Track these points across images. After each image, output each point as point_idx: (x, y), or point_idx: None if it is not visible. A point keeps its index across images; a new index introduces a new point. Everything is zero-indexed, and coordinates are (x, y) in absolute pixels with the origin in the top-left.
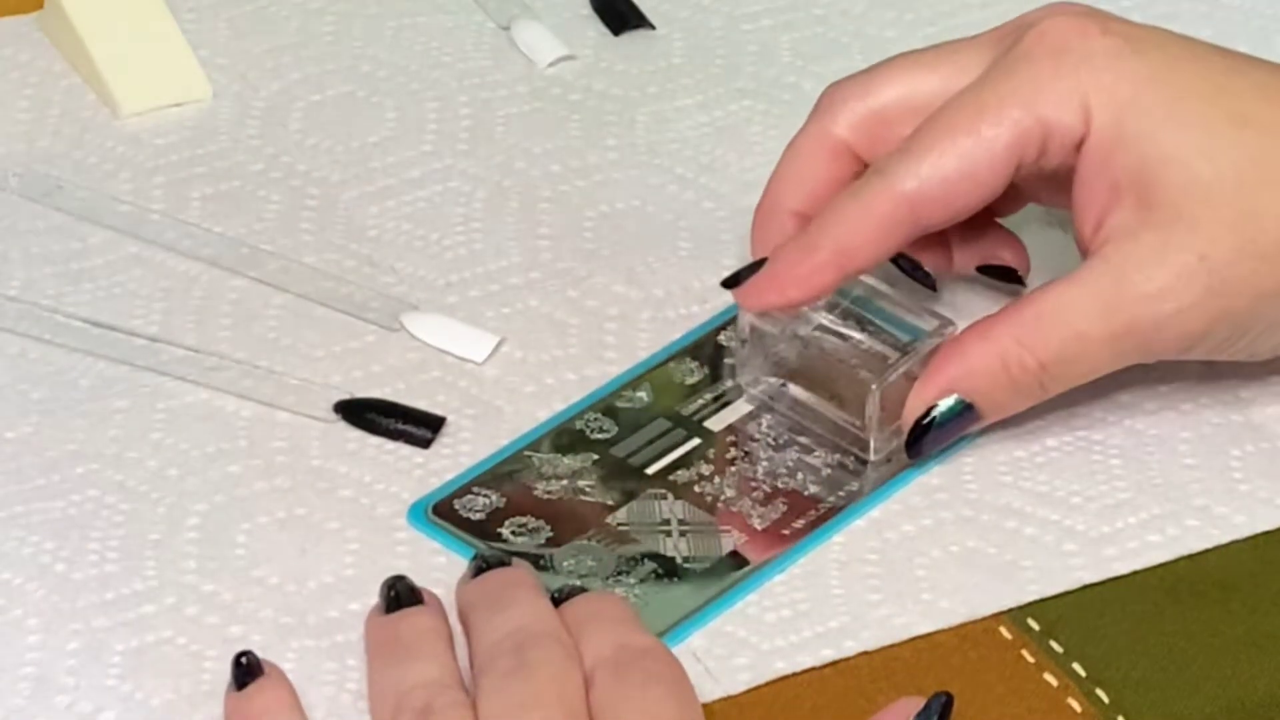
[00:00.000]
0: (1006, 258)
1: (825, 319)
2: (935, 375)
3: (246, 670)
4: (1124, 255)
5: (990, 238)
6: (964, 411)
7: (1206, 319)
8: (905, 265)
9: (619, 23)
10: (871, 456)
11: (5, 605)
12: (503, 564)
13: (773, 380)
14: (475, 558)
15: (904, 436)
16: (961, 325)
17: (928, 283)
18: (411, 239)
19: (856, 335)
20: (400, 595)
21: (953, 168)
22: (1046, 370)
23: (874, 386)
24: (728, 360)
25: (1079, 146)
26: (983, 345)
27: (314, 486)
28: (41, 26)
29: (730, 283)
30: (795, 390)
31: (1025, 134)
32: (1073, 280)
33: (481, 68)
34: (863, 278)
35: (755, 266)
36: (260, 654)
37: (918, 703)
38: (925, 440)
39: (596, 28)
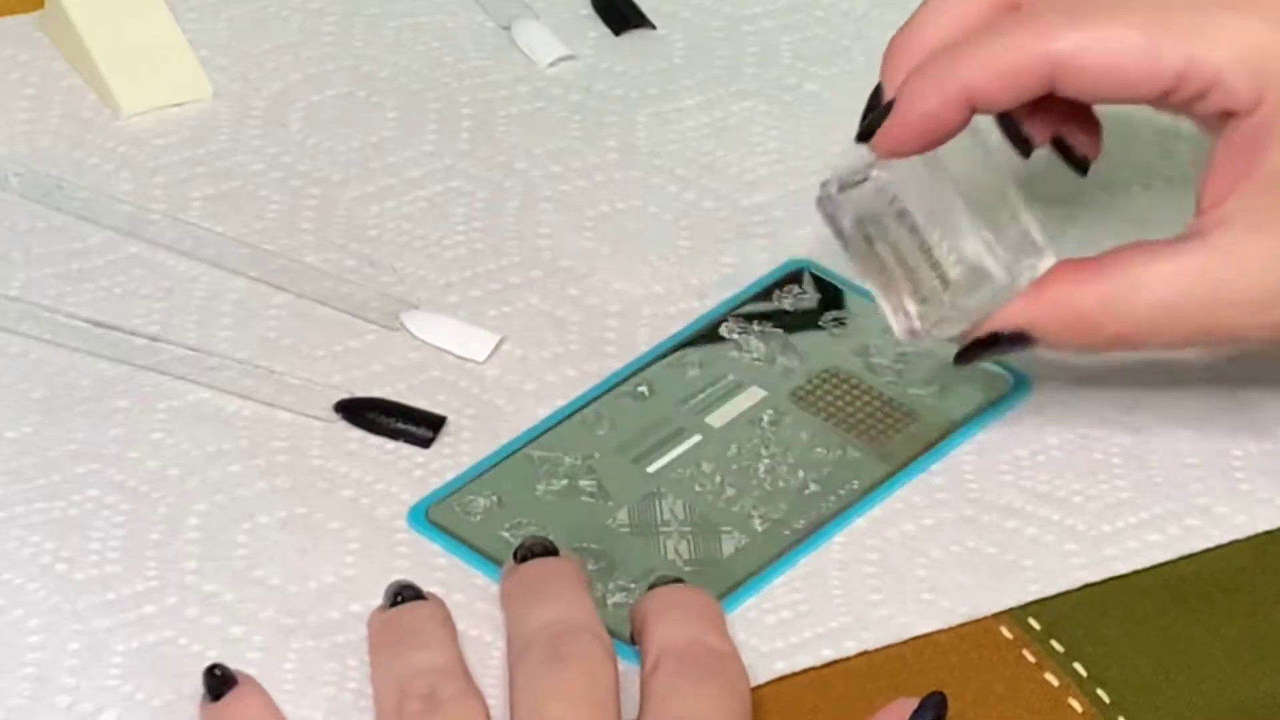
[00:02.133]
0: (1082, 141)
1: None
2: (1016, 311)
3: (221, 681)
4: (1238, 252)
5: (1075, 115)
6: (1025, 341)
7: None
8: (1007, 124)
9: (620, 23)
10: (920, 322)
11: (6, 605)
12: (548, 552)
13: (886, 194)
14: (521, 543)
15: (959, 340)
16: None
17: (1024, 149)
18: (412, 238)
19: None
20: (404, 595)
21: (1114, 54)
22: (1122, 338)
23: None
24: (731, 353)
25: (1234, 114)
26: (1069, 298)
27: (314, 486)
28: (42, 26)
29: (863, 135)
30: (908, 211)
31: (1194, 75)
32: (1176, 258)
33: (482, 68)
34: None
35: (880, 111)
36: (261, 655)
37: (914, 703)
38: (978, 357)
39: (597, 28)
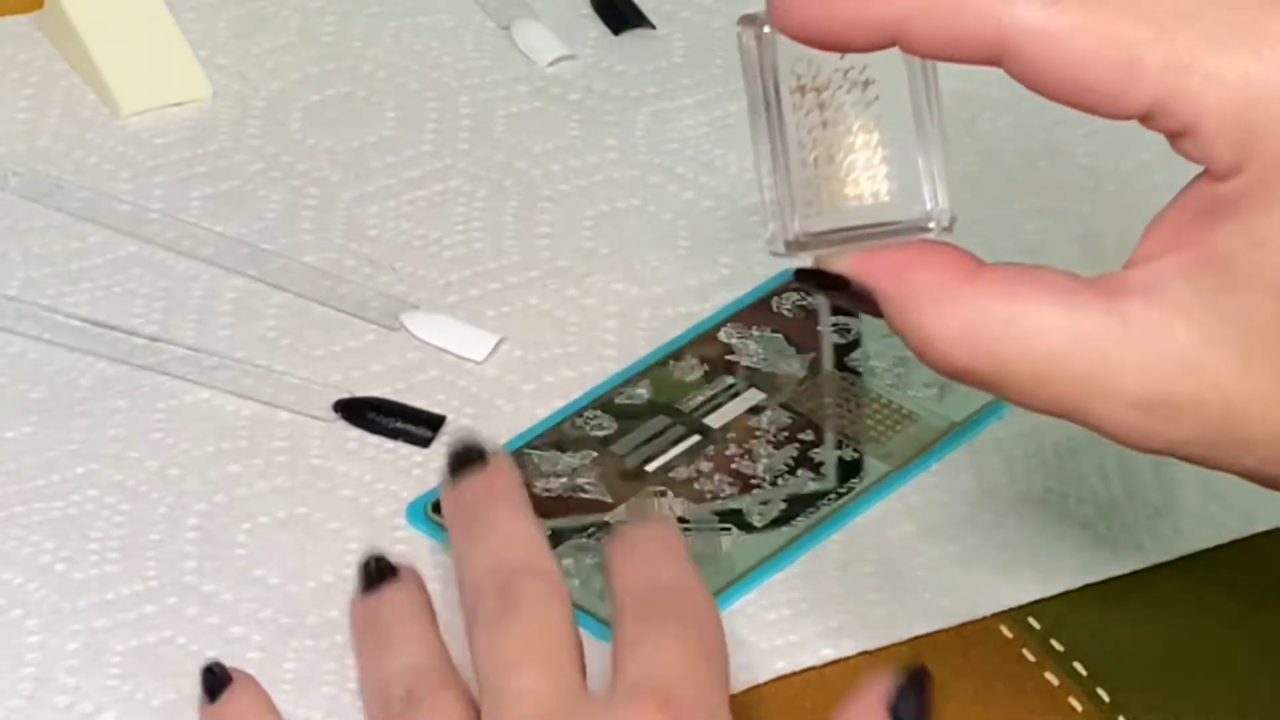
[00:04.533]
0: None
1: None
2: (882, 271)
3: (218, 680)
4: (1140, 332)
5: None
6: (870, 307)
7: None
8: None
9: (619, 22)
10: (800, 228)
11: (5, 605)
12: (480, 458)
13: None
14: (450, 452)
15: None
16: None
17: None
18: (411, 238)
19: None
20: (376, 573)
21: (1076, 57)
22: (971, 374)
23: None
24: (730, 357)
25: (1206, 171)
26: (936, 300)
27: (314, 486)
28: (41, 26)
29: None
30: (869, 89)
31: (1169, 113)
32: (1074, 312)
33: (481, 67)
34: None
35: None
36: (260, 654)
37: (889, 683)
38: (812, 286)
39: (596, 27)
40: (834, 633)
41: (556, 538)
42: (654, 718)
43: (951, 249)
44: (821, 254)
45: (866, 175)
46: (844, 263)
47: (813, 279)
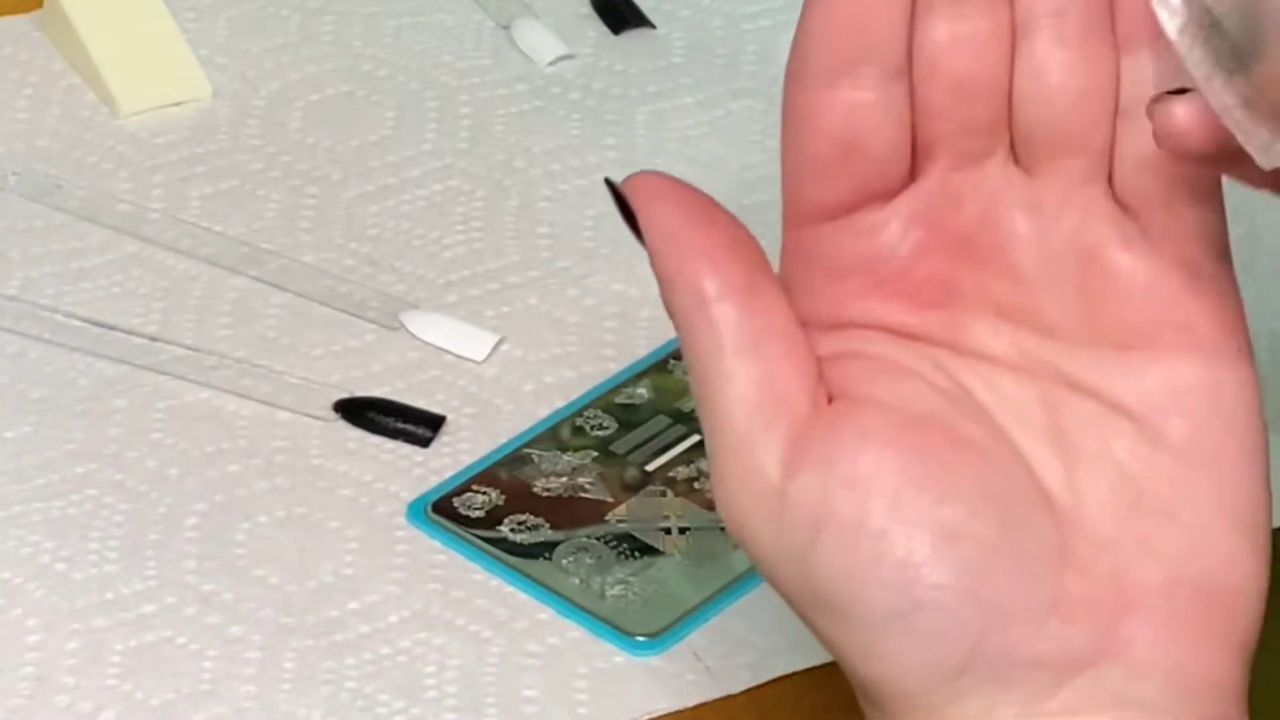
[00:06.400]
0: None
1: None
2: None
3: None
4: None
5: None
6: None
7: None
8: None
9: (619, 22)
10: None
11: (5, 605)
12: None
13: None
14: None
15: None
16: None
17: None
18: (411, 238)
19: None
20: None
21: None
22: None
23: None
24: None
25: None
26: None
27: (314, 486)
28: (41, 26)
29: None
30: None
31: None
32: None
33: (481, 67)
34: None
35: None
36: (260, 654)
37: None
38: None
39: (596, 27)
40: None
41: (558, 536)
42: None
43: None
44: None
45: None
46: None
47: None
